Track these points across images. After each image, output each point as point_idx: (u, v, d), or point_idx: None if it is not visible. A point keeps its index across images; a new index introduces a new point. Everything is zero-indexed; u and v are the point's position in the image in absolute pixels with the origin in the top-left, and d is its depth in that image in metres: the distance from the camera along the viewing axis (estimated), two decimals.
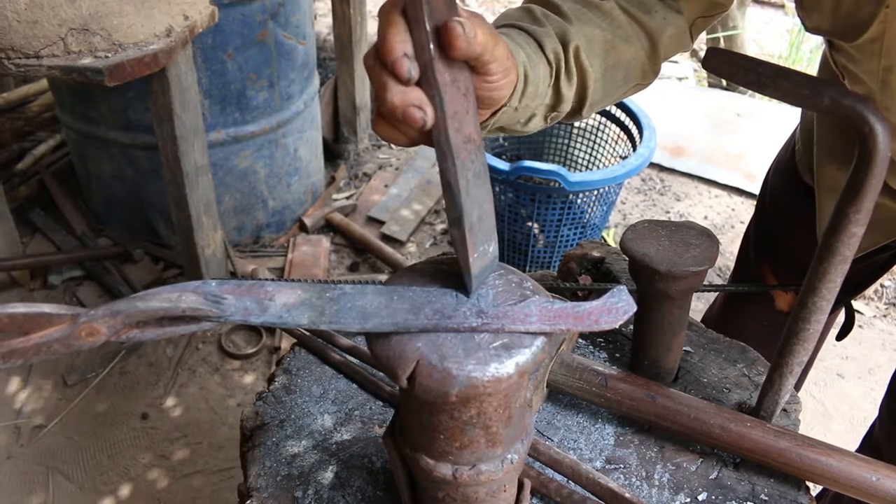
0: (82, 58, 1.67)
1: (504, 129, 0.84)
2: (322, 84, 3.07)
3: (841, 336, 1.21)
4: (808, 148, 1.16)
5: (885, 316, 2.56)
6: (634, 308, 0.61)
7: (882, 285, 2.64)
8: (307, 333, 1.04)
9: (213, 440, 2.04)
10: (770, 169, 1.31)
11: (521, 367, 0.58)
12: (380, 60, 0.57)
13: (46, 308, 0.58)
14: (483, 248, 0.63)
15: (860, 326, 2.50)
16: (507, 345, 0.58)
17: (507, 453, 0.67)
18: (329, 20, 4.26)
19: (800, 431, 0.88)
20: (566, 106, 0.87)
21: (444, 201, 0.62)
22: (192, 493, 1.90)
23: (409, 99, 0.56)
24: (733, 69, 0.69)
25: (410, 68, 0.56)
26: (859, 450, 1.37)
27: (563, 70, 0.84)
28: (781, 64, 0.73)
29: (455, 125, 0.58)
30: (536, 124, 0.87)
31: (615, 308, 0.60)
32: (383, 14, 0.57)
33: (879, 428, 1.29)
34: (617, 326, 0.60)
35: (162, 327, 0.60)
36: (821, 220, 1.11)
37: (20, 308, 0.57)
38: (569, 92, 0.85)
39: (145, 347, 2.29)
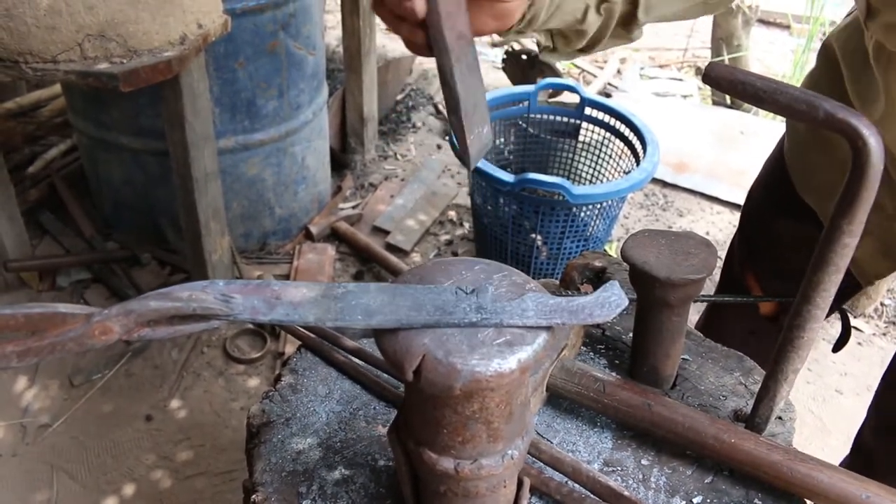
0: (98, 63, 1.71)
1: (565, 34, 0.86)
2: (330, 94, 3.11)
3: (837, 348, 1.23)
4: (804, 163, 1.19)
5: (884, 334, 2.57)
6: (626, 302, 0.63)
7: (882, 304, 2.66)
8: (312, 335, 1.06)
9: (216, 443, 2.06)
10: (755, 183, 1.34)
11: (523, 363, 0.60)
12: None
13: (61, 307, 0.60)
14: (478, 131, 0.73)
15: (859, 344, 2.51)
16: (509, 342, 0.61)
17: (508, 449, 0.69)
18: (338, 32, 4.30)
19: (797, 446, 0.90)
20: None
21: (442, 93, 0.72)
22: (195, 495, 1.92)
23: None
24: (732, 83, 0.71)
25: None
26: (849, 454, 1.39)
27: None
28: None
29: (449, 24, 0.68)
30: (593, 20, 0.86)
31: (608, 302, 0.63)
32: None
33: (868, 430, 1.31)
34: (610, 319, 0.63)
35: (172, 326, 0.62)
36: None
37: (36, 308, 0.59)
38: None
39: (151, 350, 2.32)
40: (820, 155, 1.16)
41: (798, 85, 1.22)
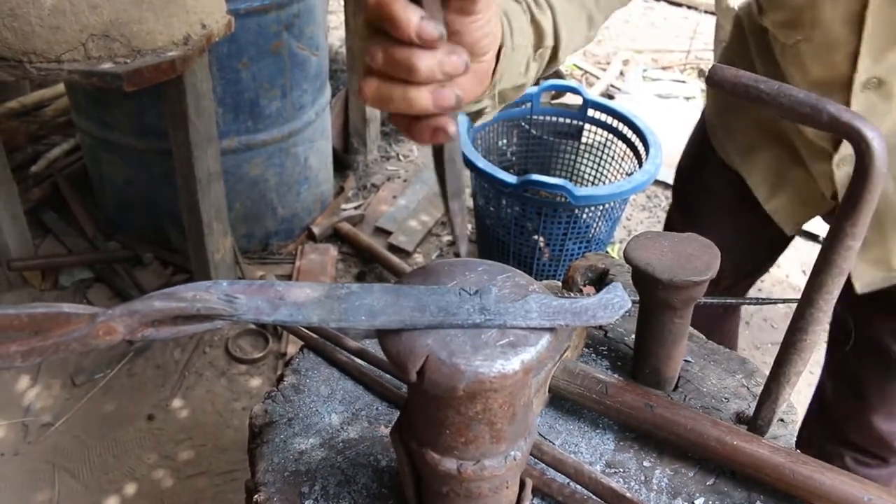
0: (102, 63, 1.71)
1: (506, 95, 0.85)
2: (333, 95, 3.11)
3: (842, 349, 1.24)
4: (723, 125, 1.32)
5: None
6: (629, 304, 0.63)
7: None
8: (314, 336, 1.06)
9: (217, 442, 2.06)
10: (683, 153, 1.47)
11: (526, 364, 0.60)
12: (396, 38, 0.53)
13: (65, 307, 0.60)
14: None
15: None
16: (513, 343, 0.61)
17: (511, 450, 0.69)
18: (341, 33, 4.31)
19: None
20: (549, 41, 0.88)
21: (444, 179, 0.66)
22: (196, 494, 1.93)
23: (446, 67, 0.55)
24: (735, 86, 0.72)
25: (437, 27, 0.53)
26: (807, 415, 1.46)
27: (532, 3, 0.85)
28: None
29: None
30: (532, 69, 0.88)
31: (611, 303, 0.63)
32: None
33: (826, 389, 1.40)
34: (613, 321, 0.63)
35: (176, 326, 0.62)
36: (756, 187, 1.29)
37: (40, 308, 0.59)
38: (546, 23, 0.86)
39: (153, 350, 2.32)
40: (736, 116, 1.27)
41: (718, 59, 1.34)
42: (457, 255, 0.68)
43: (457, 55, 0.55)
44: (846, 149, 1.08)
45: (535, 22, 0.85)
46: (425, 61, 0.54)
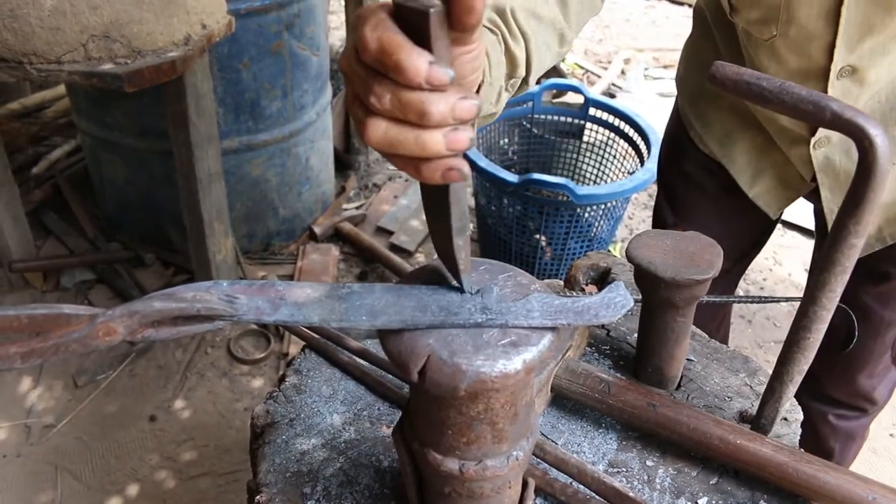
0: (102, 64, 1.71)
1: (475, 124, 0.86)
2: (334, 95, 3.11)
3: (842, 348, 1.23)
4: (698, 116, 1.32)
5: None
6: (631, 303, 0.63)
7: None
8: (316, 336, 1.06)
9: (219, 443, 2.06)
10: (661, 144, 1.50)
11: (528, 364, 0.60)
12: (404, 85, 0.50)
13: (66, 308, 0.60)
14: None
15: None
16: (515, 342, 0.60)
17: (513, 450, 0.69)
18: (342, 33, 4.31)
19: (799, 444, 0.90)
20: (521, 71, 0.89)
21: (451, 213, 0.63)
22: (199, 495, 1.92)
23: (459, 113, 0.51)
24: (738, 83, 0.71)
25: (447, 72, 0.50)
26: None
27: (507, 33, 0.85)
28: None
29: None
30: (503, 99, 0.89)
31: (613, 302, 0.63)
32: (375, 25, 0.50)
33: None
34: (615, 320, 0.62)
35: (176, 326, 0.62)
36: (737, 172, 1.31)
37: (40, 309, 0.59)
38: (520, 53, 0.87)
39: (155, 350, 2.32)
40: (711, 105, 1.28)
41: (682, 52, 1.36)
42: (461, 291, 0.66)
43: (469, 100, 0.51)
44: (822, 131, 1.10)
45: (509, 53, 0.86)
46: (438, 106, 0.50)
